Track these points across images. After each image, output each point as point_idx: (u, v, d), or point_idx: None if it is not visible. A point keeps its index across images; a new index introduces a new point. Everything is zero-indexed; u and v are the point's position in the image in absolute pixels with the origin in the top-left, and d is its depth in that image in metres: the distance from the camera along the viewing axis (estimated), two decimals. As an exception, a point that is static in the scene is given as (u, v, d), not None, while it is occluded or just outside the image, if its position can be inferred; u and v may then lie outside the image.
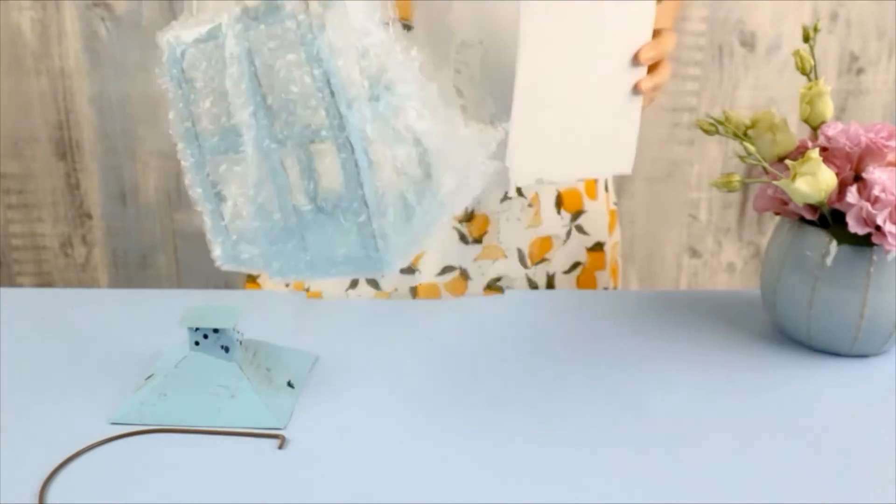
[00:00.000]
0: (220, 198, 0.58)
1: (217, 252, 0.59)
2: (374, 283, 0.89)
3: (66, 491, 0.54)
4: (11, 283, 1.77)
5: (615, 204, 0.99)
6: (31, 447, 0.59)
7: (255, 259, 0.59)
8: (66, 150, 1.68)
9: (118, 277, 1.78)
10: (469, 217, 0.88)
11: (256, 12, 0.54)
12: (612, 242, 0.98)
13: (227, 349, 0.63)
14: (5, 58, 1.61)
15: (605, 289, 0.97)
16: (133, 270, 1.77)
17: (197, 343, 0.63)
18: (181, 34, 0.57)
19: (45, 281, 1.78)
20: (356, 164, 0.53)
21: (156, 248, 1.76)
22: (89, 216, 1.73)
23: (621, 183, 1.76)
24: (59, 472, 0.56)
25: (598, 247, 0.95)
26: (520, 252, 0.90)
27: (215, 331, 0.63)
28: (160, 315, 0.79)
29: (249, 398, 0.62)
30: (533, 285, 0.91)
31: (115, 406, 0.63)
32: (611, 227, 0.97)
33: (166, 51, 0.57)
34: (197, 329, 0.63)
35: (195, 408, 0.62)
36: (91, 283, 1.78)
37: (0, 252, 1.75)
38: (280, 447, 0.59)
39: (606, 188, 0.97)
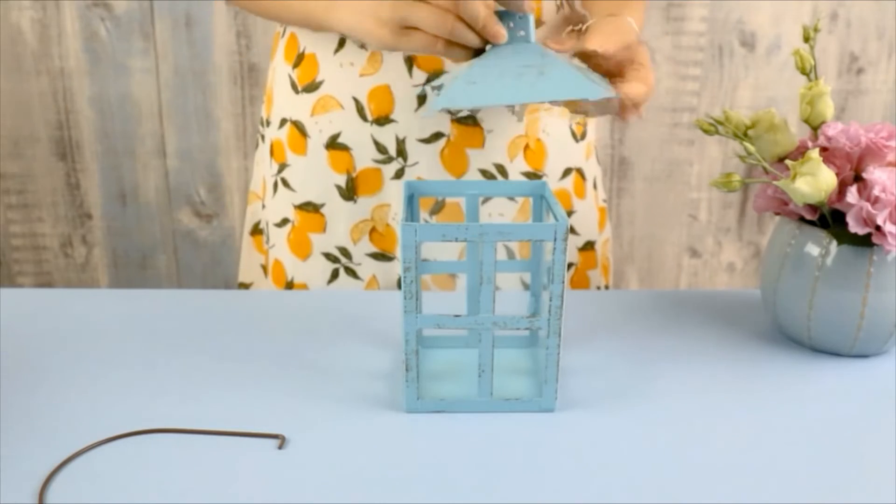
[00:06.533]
0: (419, 356, 0.64)
1: (408, 396, 0.64)
2: (352, 273, 0.90)
3: (66, 491, 0.54)
4: (11, 283, 1.77)
5: (604, 201, 1.00)
6: (31, 447, 0.59)
7: (437, 403, 0.64)
8: (66, 150, 1.68)
9: (118, 277, 1.78)
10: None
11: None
12: (603, 240, 0.98)
13: (524, 34, 0.64)
14: (5, 58, 1.61)
15: (598, 288, 0.97)
16: (133, 270, 1.77)
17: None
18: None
19: (45, 281, 1.78)
20: (558, 347, 0.62)
21: (156, 248, 1.76)
22: (89, 216, 1.73)
23: (621, 183, 1.76)
24: (58, 472, 0.56)
25: (588, 246, 0.95)
26: (508, 250, 0.90)
27: (521, 18, 0.63)
28: (160, 315, 0.79)
29: (562, 70, 0.62)
30: (526, 287, 0.92)
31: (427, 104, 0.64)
32: (601, 225, 0.98)
33: (402, 234, 0.59)
34: (501, 18, 0.64)
35: (504, 88, 0.62)
36: (91, 283, 1.78)
37: (0, 252, 1.75)
38: (280, 447, 0.59)
39: (595, 186, 0.97)
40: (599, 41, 0.69)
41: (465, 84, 0.62)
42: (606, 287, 1.00)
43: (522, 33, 0.63)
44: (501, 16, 0.63)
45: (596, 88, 0.61)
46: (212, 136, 1.68)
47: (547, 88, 0.61)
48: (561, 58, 0.63)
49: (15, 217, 1.73)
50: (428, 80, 0.84)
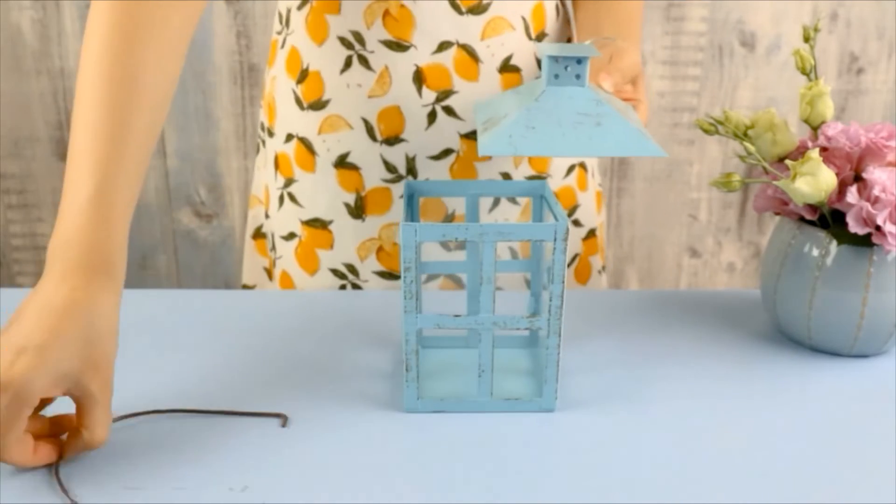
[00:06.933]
0: (418, 356, 0.64)
1: (408, 396, 0.64)
2: (359, 290, 0.90)
3: (71, 474, 0.54)
4: (11, 283, 1.77)
5: (599, 185, 1.00)
6: (31, 447, 0.59)
7: (437, 403, 0.64)
8: (66, 150, 1.68)
9: (118, 277, 1.78)
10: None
11: None
12: (599, 223, 0.99)
13: (579, 77, 0.63)
14: (5, 58, 1.61)
15: (599, 271, 0.98)
16: (133, 270, 1.77)
17: (556, 76, 0.63)
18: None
19: (45, 281, 1.77)
20: (558, 347, 0.62)
21: (156, 248, 1.76)
22: (89, 216, 1.73)
23: (621, 183, 1.76)
24: (61, 463, 0.56)
25: (591, 233, 0.96)
26: (512, 251, 0.90)
27: (578, 62, 0.62)
28: (160, 315, 0.79)
29: (617, 123, 0.61)
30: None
31: (482, 141, 0.63)
32: (598, 209, 0.98)
33: (402, 233, 0.60)
34: (557, 60, 0.63)
35: (564, 139, 0.62)
36: (91, 283, 1.78)
37: (0, 252, 1.75)
38: (283, 426, 0.59)
39: (592, 174, 0.97)
40: (615, 79, 0.71)
41: (524, 129, 0.62)
42: (604, 267, 1.01)
43: (578, 76, 0.63)
44: (557, 58, 0.63)
45: (649, 146, 0.61)
46: (212, 136, 1.68)
47: (605, 144, 0.61)
48: (612, 105, 0.63)
49: (15, 217, 1.73)
50: (438, 99, 0.84)
